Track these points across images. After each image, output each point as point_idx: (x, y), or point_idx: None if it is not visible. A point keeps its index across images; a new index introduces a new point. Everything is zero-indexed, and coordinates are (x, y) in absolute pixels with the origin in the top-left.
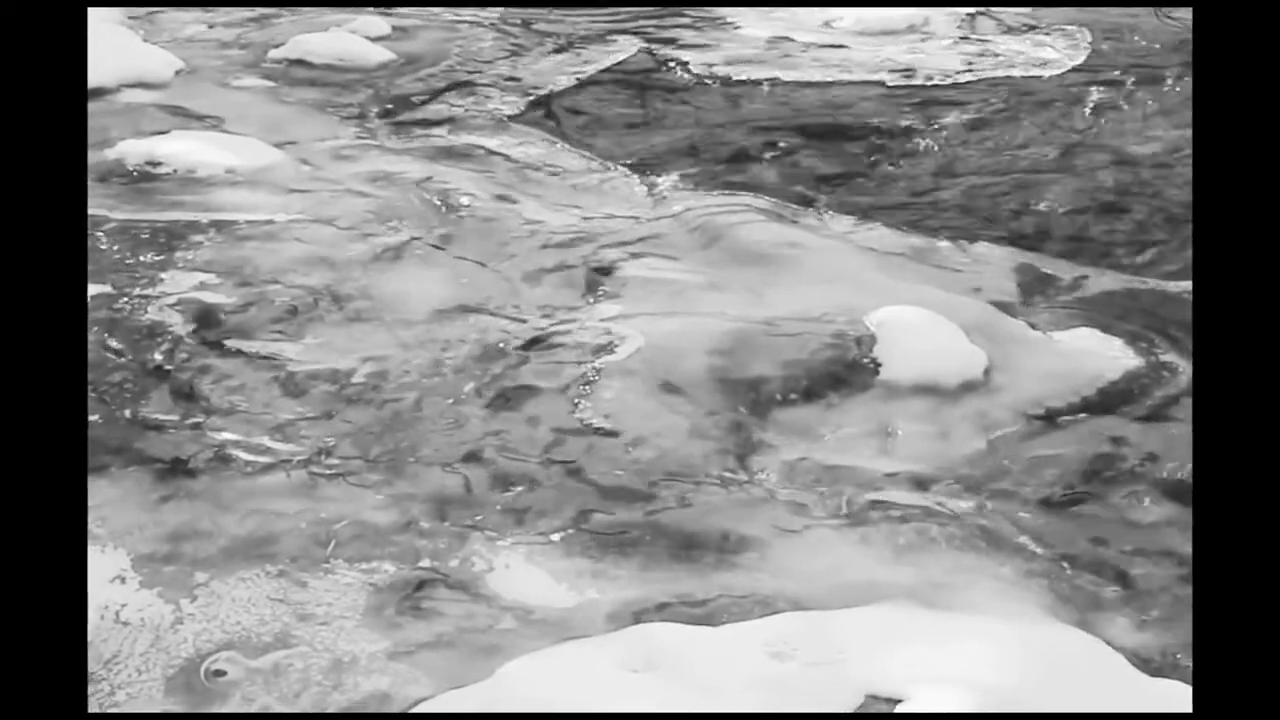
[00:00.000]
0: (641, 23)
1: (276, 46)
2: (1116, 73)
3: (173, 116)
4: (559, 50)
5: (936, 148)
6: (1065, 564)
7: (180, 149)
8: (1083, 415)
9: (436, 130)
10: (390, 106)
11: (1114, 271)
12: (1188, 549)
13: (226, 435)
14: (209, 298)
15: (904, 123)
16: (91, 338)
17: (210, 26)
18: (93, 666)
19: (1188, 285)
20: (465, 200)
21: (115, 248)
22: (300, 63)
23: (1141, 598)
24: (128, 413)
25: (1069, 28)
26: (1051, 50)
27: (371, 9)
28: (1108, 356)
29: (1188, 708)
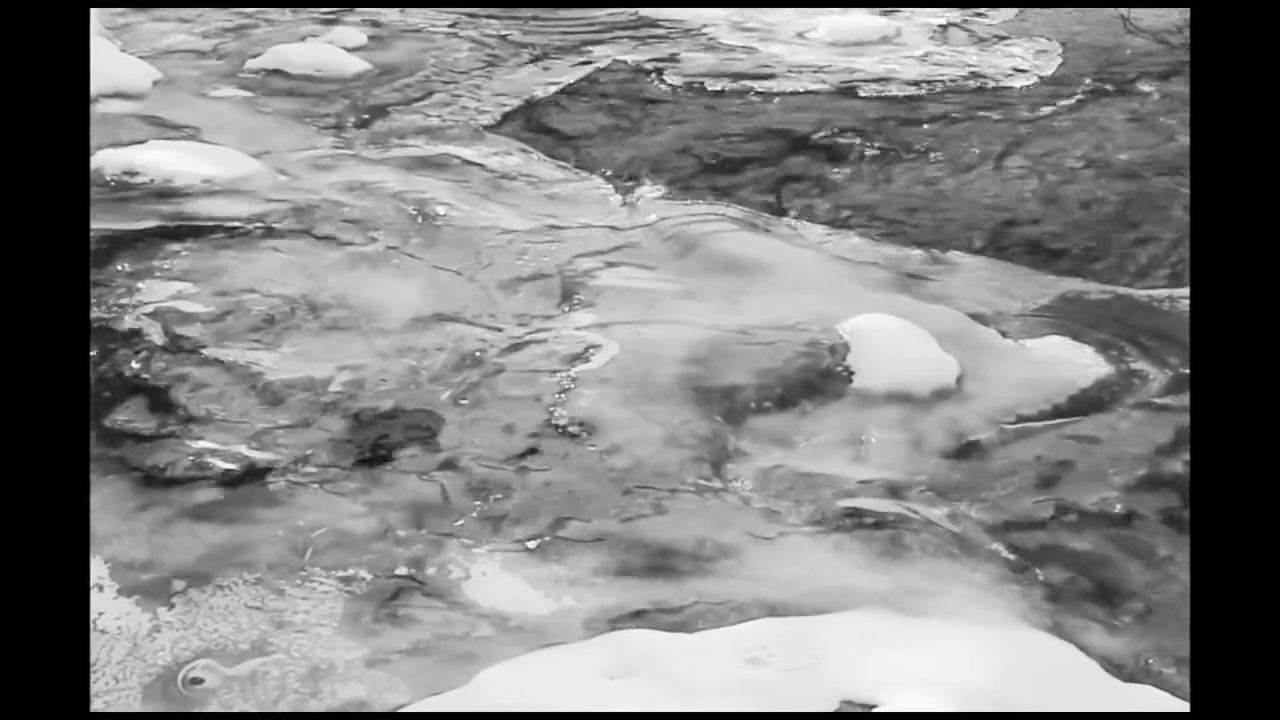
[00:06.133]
0: (617, 33)
1: (254, 57)
2: (1087, 82)
3: (150, 126)
4: (535, 60)
5: (908, 157)
6: (1038, 570)
7: (158, 159)
8: (1054, 422)
9: (413, 140)
10: (367, 116)
11: (1084, 279)
12: (1161, 554)
13: (204, 444)
14: (186, 307)
15: (876, 132)
16: None
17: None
18: None
19: (1157, 292)
20: (441, 210)
21: (92, 257)
22: (277, 73)
23: (1114, 603)
24: (105, 421)
25: (1040, 38)
26: (1022, 61)
27: (353, 11)
28: (1079, 364)
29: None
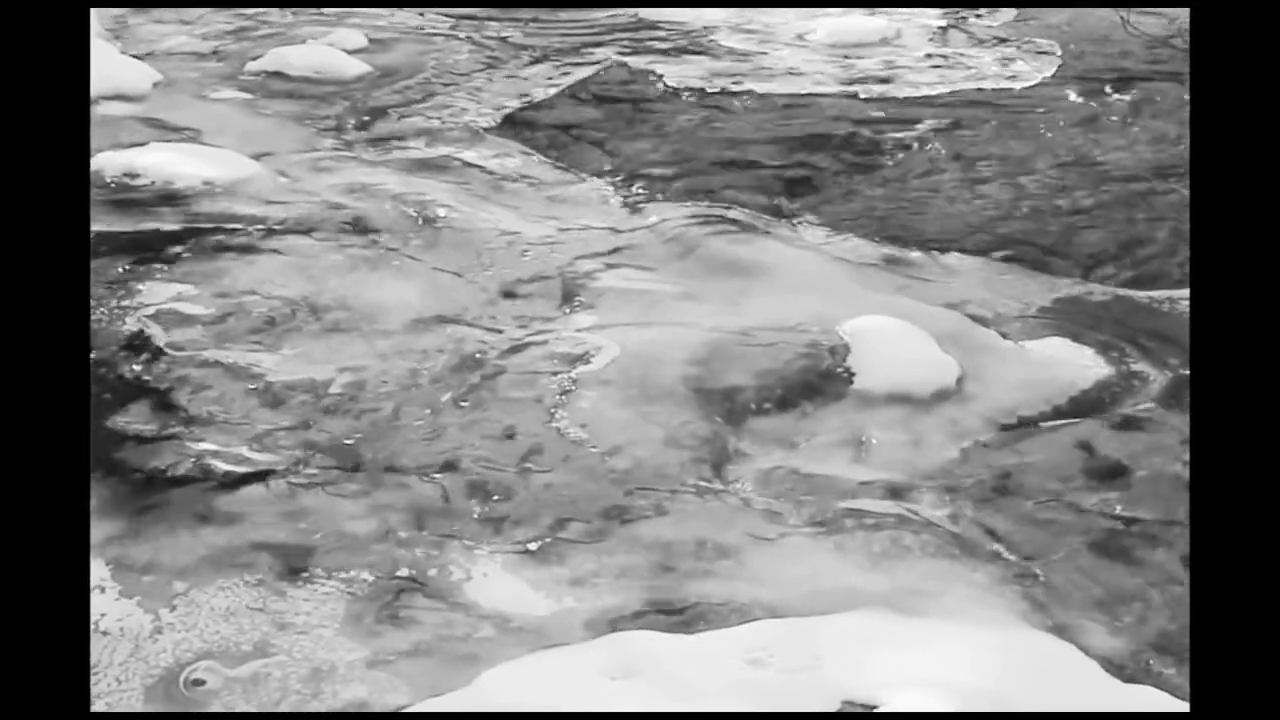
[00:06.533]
0: (617, 35)
1: (254, 59)
2: (1086, 84)
3: (151, 128)
4: (535, 62)
5: (908, 159)
6: (1038, 570)
7: (158, 160)
8: (1054, 423)
9: (413, 142)
10: (367, 118)
11: (1084, 281)
12: (1159, 556)
13: (205, 445)
14: (187, 309)
15: (876, 134)
16: None
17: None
18: None
19: (1157, 294)
20: (442, 211)
21: (93, 259)
22: (278, 75)
23: (1114, 604)
24: (107, 423)
25: (1039, 40)
26: (1021, 63)
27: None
28: (1079, 365)
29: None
